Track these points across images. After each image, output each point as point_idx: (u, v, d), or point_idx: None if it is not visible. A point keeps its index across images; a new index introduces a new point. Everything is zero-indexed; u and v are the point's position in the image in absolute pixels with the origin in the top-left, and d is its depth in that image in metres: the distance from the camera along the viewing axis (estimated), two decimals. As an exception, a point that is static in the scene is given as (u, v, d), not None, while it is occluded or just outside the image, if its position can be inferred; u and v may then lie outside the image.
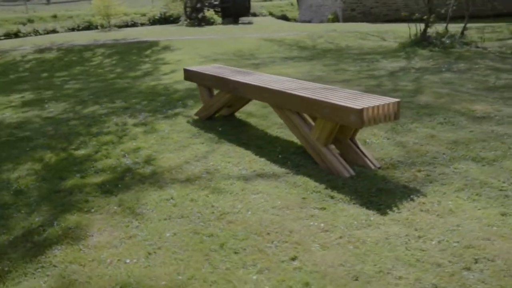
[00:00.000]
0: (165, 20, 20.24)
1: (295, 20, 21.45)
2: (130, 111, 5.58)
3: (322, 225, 2.82)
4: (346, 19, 17.30)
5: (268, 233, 2.74)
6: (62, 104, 6.11)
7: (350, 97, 3.59)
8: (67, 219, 3.01)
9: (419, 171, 3.54)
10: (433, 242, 2.59)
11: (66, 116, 5.50)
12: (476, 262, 2.40)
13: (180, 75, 7.07)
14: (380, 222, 2.83)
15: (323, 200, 3.13)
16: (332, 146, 3.80)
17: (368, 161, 3.67)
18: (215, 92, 4.98)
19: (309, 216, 2.92)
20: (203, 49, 10.63)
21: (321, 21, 18.24)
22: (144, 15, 20.65)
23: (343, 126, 3.60)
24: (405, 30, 10.20)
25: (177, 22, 18.65)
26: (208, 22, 17.19)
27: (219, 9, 18.06)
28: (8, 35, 15.78)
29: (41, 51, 11.04)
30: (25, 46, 11.85)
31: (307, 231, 2.75)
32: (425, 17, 9.43)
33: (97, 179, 3.65)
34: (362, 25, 14.62)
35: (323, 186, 3.33)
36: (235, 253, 2.56)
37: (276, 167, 3.71)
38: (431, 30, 9.59)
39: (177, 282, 2.34)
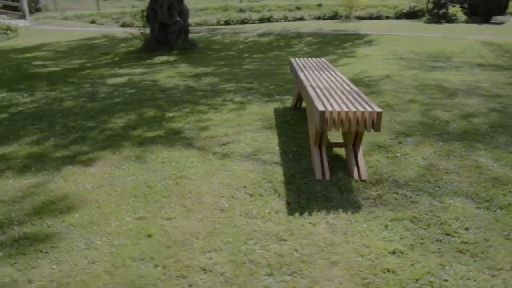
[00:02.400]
0: (412, 14, 19.70)
1: None
2: (249, 92, 6.32)
3: (226, 204, 3.07)
4: None
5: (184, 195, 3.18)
6: (212, 79, 7.30)
7: (347, 101, 3.49)
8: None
9: (396, 193, 3.23)
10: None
11: (201, 88, 6.64)
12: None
13: (351, 68, 7.48)
14: (275, 220, 2.89)
15: (264, 190, 3.29)
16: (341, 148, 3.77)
17: (355, 171, 3.52)
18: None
19: (231, 198, 3.19)
20: (401, 47, 10.41)
21: None
22: (393, 7, 20.53)
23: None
24: None
25: (421, 17, 17.97)
26: (449, 19, 16.03)
27: (466, 6, 16.54)
28: (261, 20, 18.28)
29: (261, 35, 12.71)
30: (260, 30, 13.74)
31: (213, 203, 3.07)
32: None
33: (152, 133, 4.59)
34: None
35: (284, 180, 3.45)
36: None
37: (275, 156, 3.93)
38: None
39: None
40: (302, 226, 2.79)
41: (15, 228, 2.80)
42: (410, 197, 3.15)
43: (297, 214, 2.93)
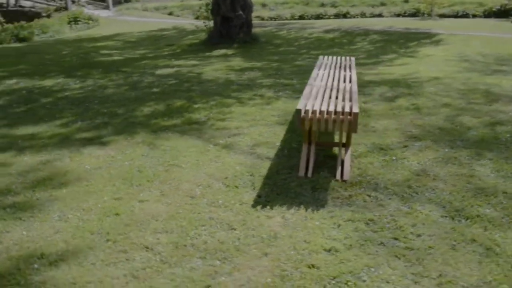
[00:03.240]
0: (503, 13, 18.32)
1: None
2: (283, 88, 6.41)
3: (199, 193, 3.25)
4: None
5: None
6: (254, 74, 7.46)
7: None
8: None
9: (368, 195, 3.20)
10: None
11: (238, 82, 6.83)
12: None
13: (403, 69, 7.37)
14: (236, 210, 3.02)
15: (243, 182, 3.42)
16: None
17: (338, 171, 3.52)
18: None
19: (207, 187, 3.36)
20: (470, 48, 9.85)
21: None
22: (482, 5, 19.22)
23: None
24: None
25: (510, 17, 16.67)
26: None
27: None
28: (337, 16, 18.05)
29: (327, 31, 12.61)
30: (328, 26, 13.63)
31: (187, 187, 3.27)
32: None
33: (169, 123, 4.88)
34: None
35: (267, 174, 3.55)
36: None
37: (272, 151, 4.02)
38: None
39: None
40: (257, 218, 2.89)
41: (9, 197, 3.21)
42: (380, 200, 3.10)
43: (259, 207, 3.03)
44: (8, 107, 5.56)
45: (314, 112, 3.25)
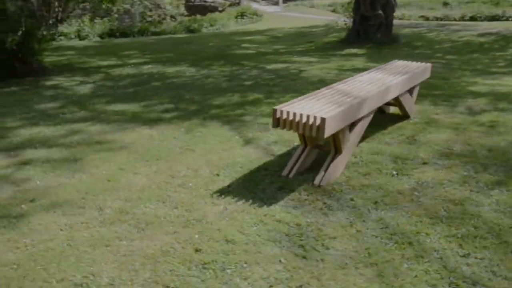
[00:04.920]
0: None
1: None
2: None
3: (181, 174, 3.69)
4: None
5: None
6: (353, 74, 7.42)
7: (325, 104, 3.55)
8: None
9: (325, 203, 3.22)
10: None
11: (328, 81, 6.92)
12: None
13: None
14: (191, 194, 3.39)
15: (227, 173, 3.74)
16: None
17: (318, 175, 3.56)
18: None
19: (194, 171, 3.78)
20: None
21: None
22: None
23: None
24: None
25: None
26: None
27: None
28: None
29: (481, 35, 11.39)
30: (488, 29, 12.29)
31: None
32: None
33: (225, 113, 5.39)
34: None
35: (253, 169, 3.80)
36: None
37: (283, 149, 4.21)
38: None
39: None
40: (204, 203, 3.22)
41: (58, 153, 4.15)
42: (330, 210, 3.10)
43: (216, 195, 3.34)
44: (123, 88, 6.76)
45: (288, 113, 3.37)
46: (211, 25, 15.00)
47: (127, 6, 14.88)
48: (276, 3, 18.99)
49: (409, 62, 5.39)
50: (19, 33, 7.32)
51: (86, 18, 13.11)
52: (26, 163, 3.97)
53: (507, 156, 3.97)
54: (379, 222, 2.95)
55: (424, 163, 3.87)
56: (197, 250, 2.66)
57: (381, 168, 3.76)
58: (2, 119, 5.27)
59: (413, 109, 5.13)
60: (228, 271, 2.47)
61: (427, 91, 6.32)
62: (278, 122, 3.42)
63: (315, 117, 3.23)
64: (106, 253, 2.65)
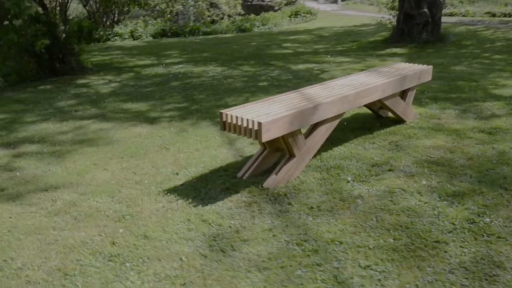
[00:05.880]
0: None
1: None
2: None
3: (147, 168, 3.89)
4: None
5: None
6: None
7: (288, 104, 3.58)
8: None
9: (259, 205, 3.26)
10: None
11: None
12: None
13: None
14: (136, 185, 3.57)
15: (188, 171, 3.89)
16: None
17: (269, 178, 3.58)
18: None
19: (154, 169, 3.97)
20: None
21: None
22: None
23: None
24: None
25: None
26: None
27: None
28: None
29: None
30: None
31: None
32: None
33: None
34: None
35: (215, 169, 3.91)
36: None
37: (250, 147, 4.28)
38: None
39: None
40: (147, 199, 3.38)
41: (48, 147, 4.54)
42: (261, 212, 3.13)
43: (163, 192, 3.49)
44: (143, 87, 7.13)
45: (231, 117, 3.43)
46: (263, 24, 15.15)
47: (180, 7, 15.49)
48: (335, 1, 18.71)
49: (411, 64, 5.18)
50: (63, 35, 7.97)
51: (140, 19, 13.83)
52: (18, 155, 4.39)
53: (484, 167, 3.73)
54: (300, 228, 2.93)
55: (390, 170, 3.75)
56: (113, 244, 2.83)
57: (340, 174, 3.71)
58: (23, 114, 5.81)
59: (409, 113, 4.93)
60: (128, 264, 2.62)
61: (444, 94, 6.04)
62: (224, 126, 3.50)
63: (253, 122, 3.27)
64: (34, 241, 2.90)
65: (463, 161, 3.87)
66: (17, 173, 3.98)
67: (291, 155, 3.68)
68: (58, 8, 8.09)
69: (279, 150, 3.88)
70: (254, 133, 3.29)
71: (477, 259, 2.54)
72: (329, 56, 9.38)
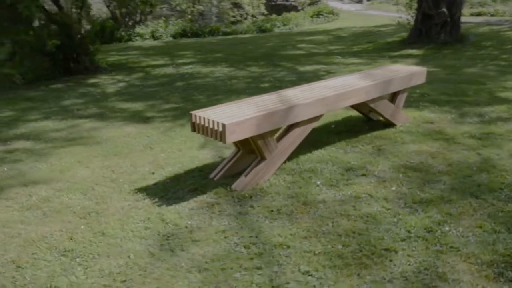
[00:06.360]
0: None
1: None
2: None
3: (123, 169, 3.99)
4: None
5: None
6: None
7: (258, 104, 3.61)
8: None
9: (220, 206, 3.29)
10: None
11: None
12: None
13: None
14: (111, 181, 3.67)
15: (164, 171, 3.96)
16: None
17: (238, 180, 3.61)
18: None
19: (132, 168, 4.07)
20: None
21: None
22: None
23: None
24: None
25: None
26: None
27: None
28: None
29: None
30: None
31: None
32: None
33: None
34: None
35: (190, 169, 3.97)
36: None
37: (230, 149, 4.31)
38: None
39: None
40: (117, 197, 3.47)
41: (30, 137, 4.72)
42: (220, 214, 3.16)
43: (134, 191, 3.57)
44: (148, 87, 7.27)
45: (199, 118, 3.47)
46: (284, 25, 15.13)
47: (201, 8, 15.67)
48: (359, 1, 18.47)
49: (405, 66, 5.10)
50: (78, 36, 8.24)
51: (162, 20, 14.09)
52: (11, 152, 4.59)
53: (462, 173, 3.64)
54: (254, 231, 2.95)
55: (363, 175, 3.70)
56: (71, 239, 2.93)
57: (312, 177, 3.69)
58: (28, 111, 6.05)
59: (400, 116, 4.85)
60: (78, 260, 2.70)
61: (446, 97, 5.91)
62: (194, 127, 3.54)
63: (217, 123, 3.31)
64: (0, 234, 3.04)
65: (442, 167, 3.78)
66: (5, 168, 4.16)
67: (262, 158, 3.69)
68: (73, 10, 8.35)
69: (253, 152, 3.91)
70: (219, 134, 3.32)
71: (421, 269, 2.49)
72: (339, 57, 9.29)
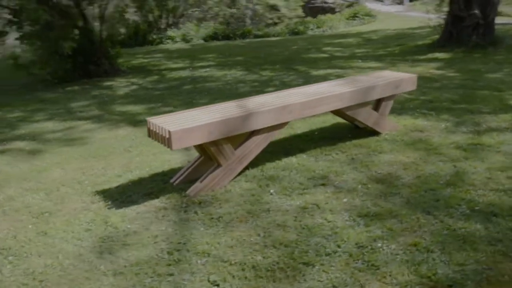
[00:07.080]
0: None
1: None
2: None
3: (96, 171, 4.13)
4: None
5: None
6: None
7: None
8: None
9: (167, 212, 3.33)
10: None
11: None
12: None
13: None
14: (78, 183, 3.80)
15: (132, 174, 4.06)
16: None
17: (193, 186, 3.63)
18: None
19: (104, 170, 4.19)
20: None
21: None
22: None
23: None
24: None
25: None
26: None
27: None
28: None
29: None
30: None
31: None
32: None
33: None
34: None
35: (158, 173, 4.04)
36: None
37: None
38: None
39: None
40: (74, 198, 3.60)
41: (26, 138, 4.96)
42: (161, 219, 3.19)
43: (93, 193, 3.68)
44: (157, 90, 7.45)
45: (153, 124, 3.53)
46: (318, 27, 14.97)
47: (234, 11, 15.80)
48: (401, 2, 17.91)
49: (395, 73, 4.92)
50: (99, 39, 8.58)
51: (193, 23, 14.35)
52: (3, 151, 4.86)
53: (426, 187, 3.46)
54: (185, 237, 2.96)
55: (322, 185, 3.62)
56: (14, 238, 3.07)
57: (270, 185, 3.65)
58: (36, 113, 6.38)
59: (385, 124, 4.68)
60: (11, 258, 2.83)
61: (450, 103, 5.65)
62: (149, 133, 3.60)
63: (165, 130, 3.35)
64: (-46, 231, 3.24)
65: (409, 179, 3.62)
66: (-11, 168, 4.43)
67: (218, 164, 3.69)
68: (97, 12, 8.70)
69: (211, 158, 3.92)
70: (167, 141, 3.36)
71: (329, 286, 2.40)
72: (360, 61, 9.07)
